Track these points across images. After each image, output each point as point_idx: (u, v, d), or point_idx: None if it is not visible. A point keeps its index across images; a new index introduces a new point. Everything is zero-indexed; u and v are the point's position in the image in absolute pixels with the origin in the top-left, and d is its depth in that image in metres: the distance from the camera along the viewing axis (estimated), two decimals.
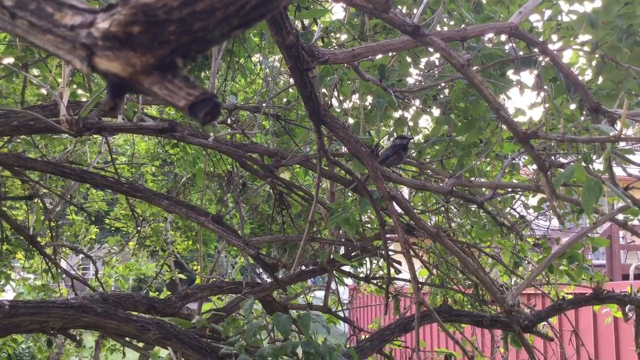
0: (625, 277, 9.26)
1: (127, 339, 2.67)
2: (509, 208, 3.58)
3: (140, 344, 2.85)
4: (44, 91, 3.91)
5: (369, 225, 3.86)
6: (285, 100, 4.03)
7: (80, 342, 3.31)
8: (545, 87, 2.75)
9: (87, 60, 0.45)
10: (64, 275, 4.82)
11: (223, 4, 0.43)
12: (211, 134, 2.80)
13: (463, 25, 2.51)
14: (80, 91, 3.53)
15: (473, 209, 3.38)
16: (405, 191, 3.87)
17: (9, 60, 3.20)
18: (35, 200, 4.25)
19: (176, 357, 2.41)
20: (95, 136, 3.93)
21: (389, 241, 3.39)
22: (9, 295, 5.99)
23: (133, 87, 0.45)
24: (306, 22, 3.27)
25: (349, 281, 6.26)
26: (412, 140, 2.75)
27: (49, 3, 0.46)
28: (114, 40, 0.43)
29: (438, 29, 2.50)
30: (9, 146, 3.94)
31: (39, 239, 4.24)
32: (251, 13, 0.44)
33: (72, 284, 4.77)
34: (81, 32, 0.44)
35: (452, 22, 2.77)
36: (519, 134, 1.66)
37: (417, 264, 2.70)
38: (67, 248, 5.40)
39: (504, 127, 2.34)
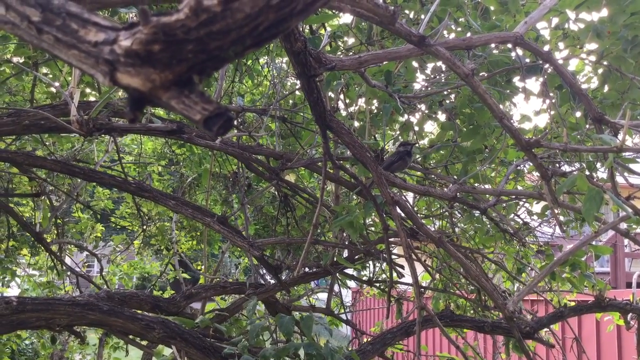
0: (630, 285, 9.24)
1: (131, 336, 2.70)
2: (512, 214, 3.59)
3: (144, 342, 2.88)
4: (53, 89, 3.95)
5: (372, 229, 3.88)
6: (291, 102, 4.06)
7: (84, 339, 3.34)
8: (551, 94, 2.77)
9: (110, 75, 0.47)
10: (68, 273, 4.86)
11: (237, 25, 0.45)
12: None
13: (469, 34, 2.54)
14: (88, 89, 3.57)
15: (476, 214, 3.40)
16: (409, 195, 3.89)
17: (19, 59, 3.24)
18: (43, 197, 4.29)
19: (180, 356, 2.44)
20: (103, 135, 3.97)
21: (392, 245, 3.41)
22: (14, 291, 6.03)
23: (152, 101, 0.48)
24: (314, 25, 3.29)
25: (351, 284, 6.28)
26: (416, 145, 2.77)
27: (74, 20, 0.49)
28: (136, 57, 0.46)
29: (445, 32, 2.53)
30: (17, 143, 3.98)
31: (44, 235, 4.28)
32: (263, 34, 0.47)
33: (77, 281, 4.81)
34: (104, 49, 0.47)
35: (459, 29, 2.79)
36: (522, 142, 1.68)
37: (419, 268, 2.73)
38: (72, 245, 5.44)
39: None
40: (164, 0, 0.89)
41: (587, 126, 2.74)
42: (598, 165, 2.90)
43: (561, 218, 3.22)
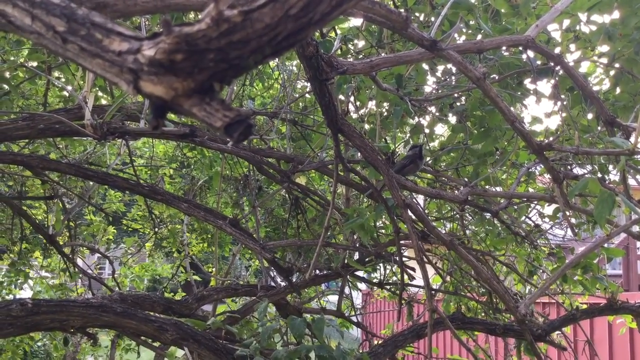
0: None
1: (143, 338, 2.72)
2: (524, 217, 3.58)
3: (157, 344, 2.90)
4: (65, 93, 3.98)
5: (383, 231, 3.88)
6: (302, 105, 4.07)
7: (96, 341, 3.37)
8: (562, 96, 2.76)
9: (133, 83, 0.49)
10: (81, 275, 4.90)
11: (257, 35, 0.47)
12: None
13: (479, 36, 2.54)
14: (99, 93, 3.59)
15: (488, 217, 3.39)
16: (419, 197, 3.89)
17: (32, 63, 3.27)
18: (55, 200, 4.32)
19: (192, 358, 2.46)
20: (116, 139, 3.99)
21: (402, 247, 3.41)
22: (26, 293, 6.08)
23: (174, 108, 0.49)
24: (324, 28, 3.30)
25: (362, 286, 6.29)
26: (424, 146, 2.77)
27: (98, 30, 0.50)
28: (159, 66, 0.48)
29: (455, 35, 2.53)
30: (30, 147, 4.02)
31: (57, 238, 4.31)
32: (282, 43, 0.48)
33: (89, 283, 4.85)
34: (128, 58, 0.49)
35: (469, 31, 2.80)
36: (534, 145, 1.68)
37: (430, 270, 2.73)
38: (84, 248, 5.48)
39: None
40: (184, 9, 0.91)
41: (599, 128, 2.73)
42: (610, 167, 2.89)
43: (573, 220, 3.21)
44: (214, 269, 4.49)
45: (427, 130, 3.27)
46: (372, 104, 3.21)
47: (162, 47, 0.47)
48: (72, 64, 3.25)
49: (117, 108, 2.26)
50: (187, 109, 0.49)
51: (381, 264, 4.01)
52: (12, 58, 3.22)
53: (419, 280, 2.93)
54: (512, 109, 2.04)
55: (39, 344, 7.22)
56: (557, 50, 2.76)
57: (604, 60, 2.79)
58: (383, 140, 3.09)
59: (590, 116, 2.89)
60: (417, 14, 2.95)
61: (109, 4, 0.68)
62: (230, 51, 0.48)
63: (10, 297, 5.34)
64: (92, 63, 0.51)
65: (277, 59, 4.12)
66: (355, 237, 3.55)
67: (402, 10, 1.45)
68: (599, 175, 2.73)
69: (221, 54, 0.47)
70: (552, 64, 2.22)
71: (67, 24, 0.51)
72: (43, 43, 0.53)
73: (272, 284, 3.79)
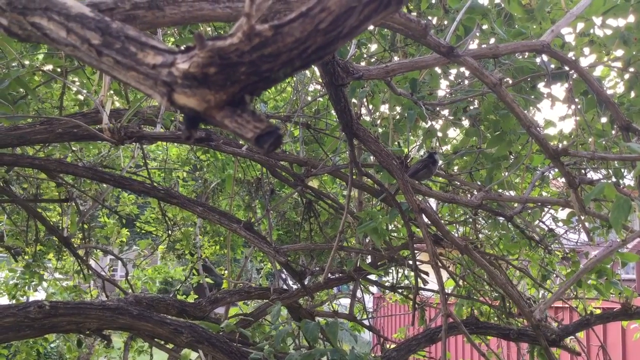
0: None
1: (157, 340, 2.74)
2: (537, 221, 3.57)
3: (171, 346, 2.92)
4: (80, 97, 4.02)
5: (395, 235, 3.88)
6: (314, 109, 4.08)
7: (110, 342, 3.40)
8: (577, 100, 2.75)
9: (167, 95, 0.50)
10: (94, 277, 4.94)
11: (288, 48, 0.48)
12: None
13: (492, 40, 2.54)
14: (115, 97, 3.63)
15: (501, 221, 3.38)
16: (432, 201, 3.88)
17: (48, 67, 3.30)
18: (70, 203, 4.36)
19: None
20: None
21: (416, 251, 3.41)
22: (40, 295, 6.13)
23: (206, 120, 0.51)
24: None
25: (374, 289, 6.29)
26: (436, 154, 2.77)
27: (133, 43, 0.52)
28: (193, 79, 0.49)
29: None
30: (45, 150, 4.07)
31: (71, 240, 4.35)
32: (312, 56, 0.49)
33: (102, 285, 4.88)
34: (162, 71, 0.50)
35: (480, 35, 2.79)
36: (549, 151, 1.68)
37: (444, 275, 2.73)
38: (98, 250, 5.52)
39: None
40: (211, 20, 0.92)
41: (614, 132, 2.72)
42: (625, 172, 2.87)
43: (587, 224, 3.19)
44: (226, 272, 4.51)
45: (439, 134, 3.27)
46: (384, 108, 3.21)
47: (195, 61, 0.49)
48: (87, 67, 3.29)
49: (134, 112, 2.28)
50: (219, 121, 0.50)
51: (393, 268, 4.01)
52: (27, 62, 3.26)
53: (432, 285, 2.93)
54: (526, 113, 2.03)
55: (52, 345, 7.28)
56: (571, 54, 2.76)
57: (619, 64, 2.78)
58: (396, 144, 3.10)
59: (604, 120, 2.87)
60: (429, 18, 2.96)
61: (139, 16, 0.70)
62: (262, 64, 0.49)
63: (25, 299, 5.39)
64: (127, 76, 0.52)
65: None
66: (367, 240, 3.56)
67: (416, 15, 1.46)
68: (614, 180, 2.72)
69: (253, 67, 0.49)
70: (566, 68, 2.21)
71: (102, 37, 0.53)
72: (77, 55, 0.55)
73: (284, 286, 3.80)
